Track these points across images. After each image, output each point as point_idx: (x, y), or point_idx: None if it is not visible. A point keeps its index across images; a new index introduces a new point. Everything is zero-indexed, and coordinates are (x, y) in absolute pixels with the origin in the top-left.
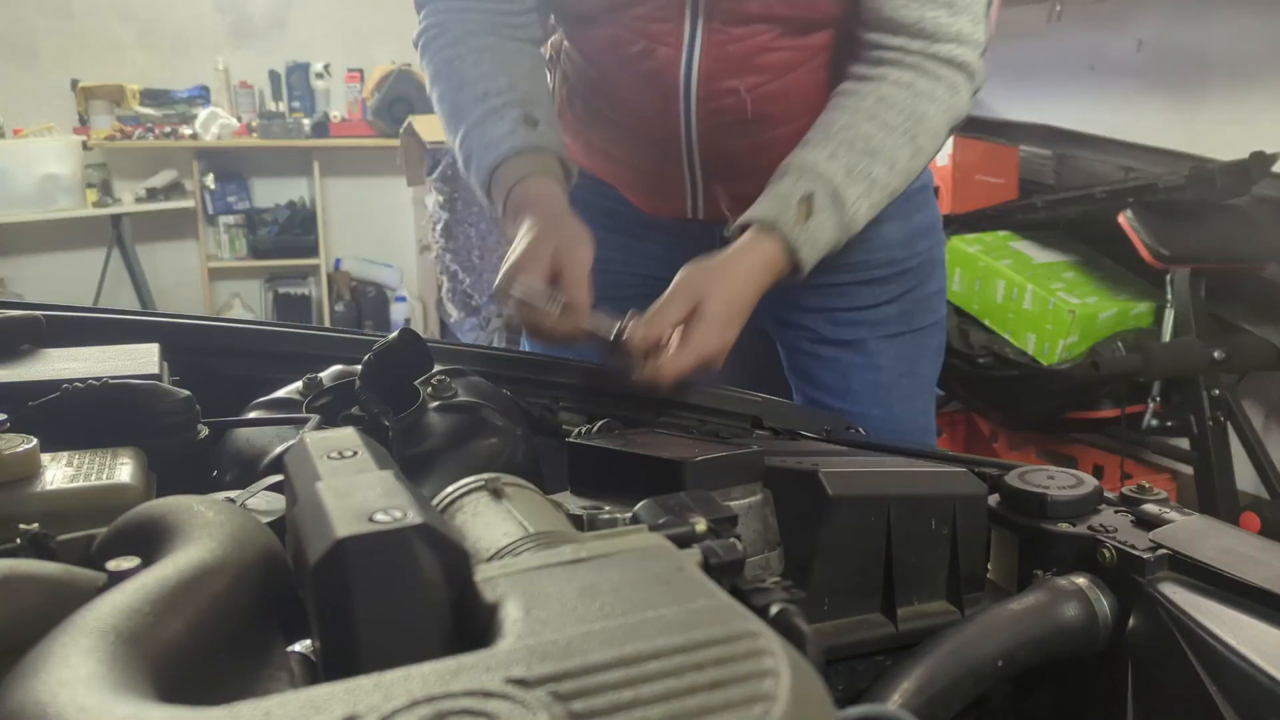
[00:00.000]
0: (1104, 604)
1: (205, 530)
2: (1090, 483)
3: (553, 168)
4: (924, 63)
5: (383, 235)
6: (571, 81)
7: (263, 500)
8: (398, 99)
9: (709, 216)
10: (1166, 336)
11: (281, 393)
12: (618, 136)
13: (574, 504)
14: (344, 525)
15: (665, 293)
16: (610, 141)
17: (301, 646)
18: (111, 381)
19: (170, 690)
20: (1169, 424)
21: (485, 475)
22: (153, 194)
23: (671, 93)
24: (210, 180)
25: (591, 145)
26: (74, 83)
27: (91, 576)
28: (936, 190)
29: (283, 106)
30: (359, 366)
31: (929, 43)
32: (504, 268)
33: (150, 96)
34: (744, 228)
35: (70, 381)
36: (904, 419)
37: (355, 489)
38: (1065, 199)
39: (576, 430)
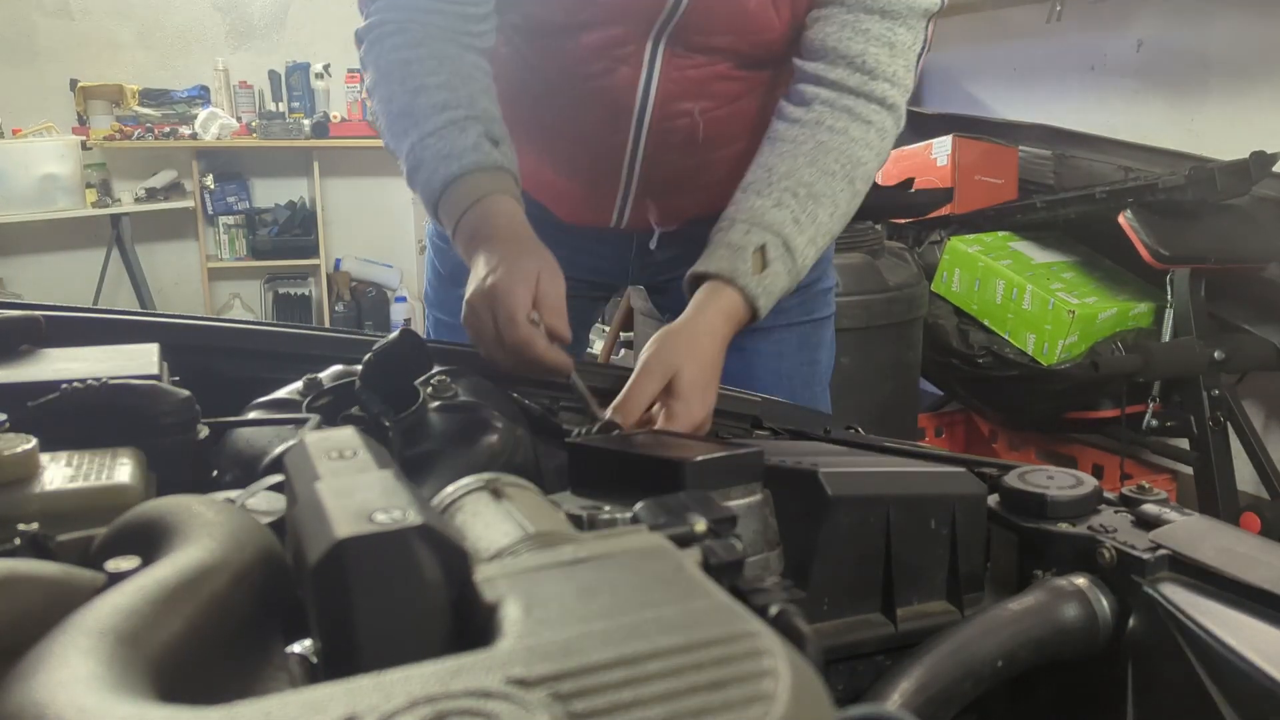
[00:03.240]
0: (1104, 604)
1: (205, 530)
2: (1090, 483)
3: (514, 189)
4: (857, 104)
5: (383, 235)
6: (506, 89)
7: (263, 500)
8: None
9: (631, 226)
10: (1166, 336)
11: (281, 393)
12: (553, 146)
13: (574, 504)
14: (344, 525)
15: (636, 369)
16: (541, 151)
17: (301, 646)
18: (111, 382)
19: (170, 690)
20: (1169, 424)
21: (485, 475)
22: (152, 194)
23: (625, 111)
24: (210, 180)
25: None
26: (73, 82)
27: (91, 577)
28: None
29: (283, 106)
30: (359, 366)
31: (866, 79)
32: (483, 284)
33: (150, 96)
34: (697, 278)
35: (70, 381)
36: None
37: (355, 489)
38: (1065, 199)
39: (576, 430)
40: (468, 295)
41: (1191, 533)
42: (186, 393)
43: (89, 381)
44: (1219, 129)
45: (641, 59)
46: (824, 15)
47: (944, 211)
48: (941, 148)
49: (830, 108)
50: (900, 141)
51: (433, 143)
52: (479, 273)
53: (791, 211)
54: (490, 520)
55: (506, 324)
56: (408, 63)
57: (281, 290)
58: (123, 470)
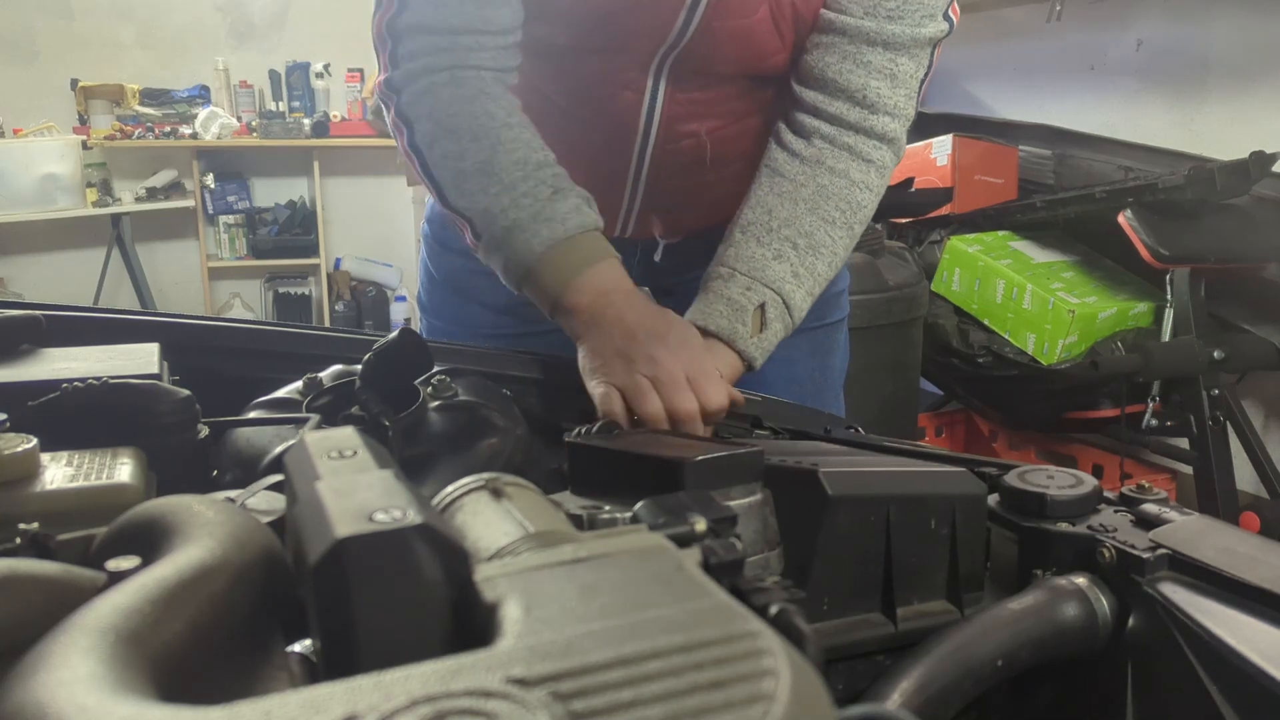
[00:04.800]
0: (1104, 604)
1: (205, 530)
2: (1090, 482)
3: (615, 251)
4: (858, 141)
5: (383, 235)
6: None
7: (263, 500)
8: None
9: (636, 236)
10: (1166, 336)
11: (281, 393)
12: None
13: (574, 504)
14: (344, 525)
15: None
16: None
17: (301, 646)
18: (111, 381)
19: (170, 690)
20: (1169, 424)
21: (485, 475)
22: (153, 194)
23: (629, 133)
24: (210, 180)
25: None
26: (74, 82)
27: (91, 576)
28: None
29: (283, 106)
30: (359, 366)
31: (866, 113)
32: (656, 373)
33: (150, 96)
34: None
35: (70, 381)
36: None
37: (355, 489)
38: (1065, 199)
39: (576, 430)
40: (627, 374)
41: (1191, 532)
42: (186, 392)
43: (89, 381)
44: (1219, 129)
45: (645, 84)
46: (825, 43)
47: (944, 211)
48: (941, 147)
49: (831, 144)
50: None
51: (529, 204)
52: (643, 327)
53: (791, 265)
54: (490, 520)
55: (688, 421)
56: (475, 115)
57: (281, 290)
58: (123, 470)
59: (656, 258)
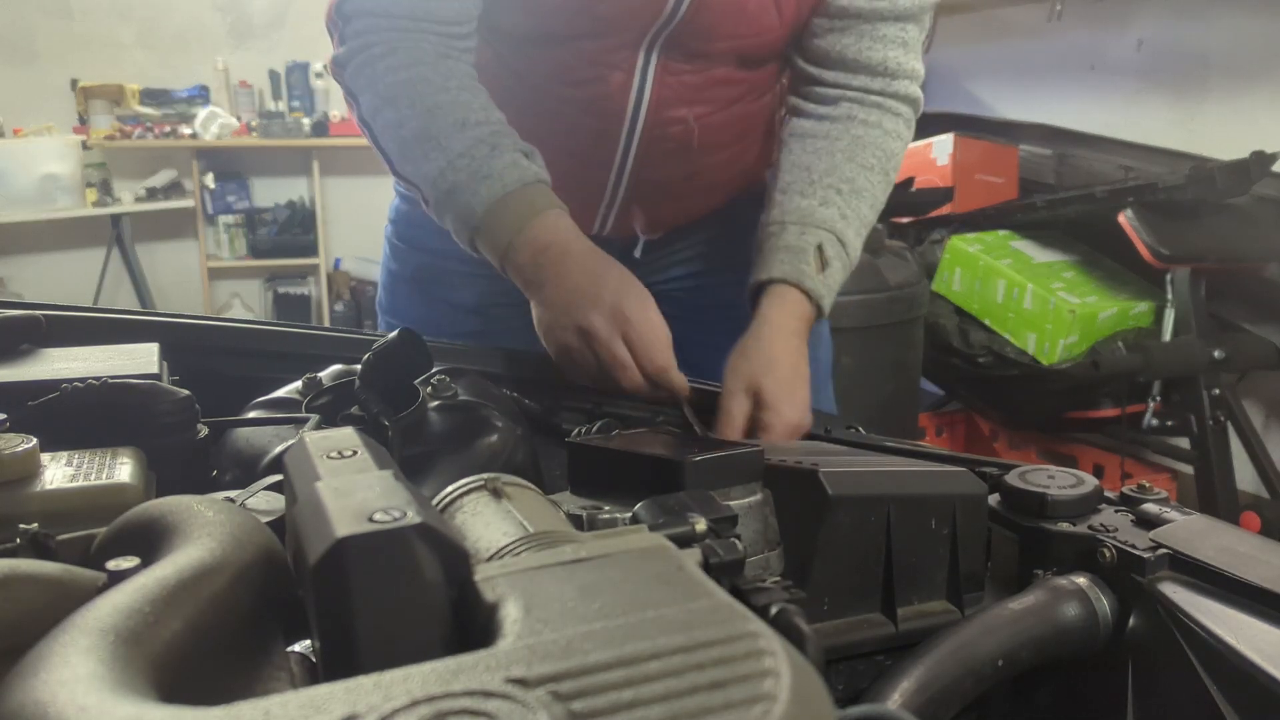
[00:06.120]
0: (1104, 604)
1: (205, 530)
2: (1090, 482)
3: (560, 201)
4: (885, 101)
5: (382, 235)
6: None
7: (263, 500)
8: None
9: (614, 234)
10: (1166, 336)
11: (281, 393)
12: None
13: (574, 504)
14: (344, 525)
15: (722, 393)
16: None
17: (301, 646)
18: (111, 381)
19: (170, 690)
20: (1169, 424)
21: (485, 475)
22: (152, 194)
23: (616, 118)
24: (210, 180)
25: None
26: (74, 82)
27: (91, 576)
28: None
29: (282, 106)
30: (359, 366)
31: (890, 80)
32: (604, 305)
33: (150, 96)
34: (760, 285)
35: (70, 381)
36: None
37: (355, 489)
38: (1065, 198)
39: (576, 430)
40: (581, 318)
41: (1192, 532)
42: (186, 392)
43: (89, 381)
44: (1219, 129)
45: (634, 65)
46: (840, 27)
47: (944, 210)
48: (942, 147)
49: (860, 104)
50: None
51: (465, 164)
52: (579, 290)
53: (839, 208)
54: (490, 520)
55: (649, 349)
56: (412, 82)
57: (281, 290)
58: (123, 470)
59: (636, 254)
